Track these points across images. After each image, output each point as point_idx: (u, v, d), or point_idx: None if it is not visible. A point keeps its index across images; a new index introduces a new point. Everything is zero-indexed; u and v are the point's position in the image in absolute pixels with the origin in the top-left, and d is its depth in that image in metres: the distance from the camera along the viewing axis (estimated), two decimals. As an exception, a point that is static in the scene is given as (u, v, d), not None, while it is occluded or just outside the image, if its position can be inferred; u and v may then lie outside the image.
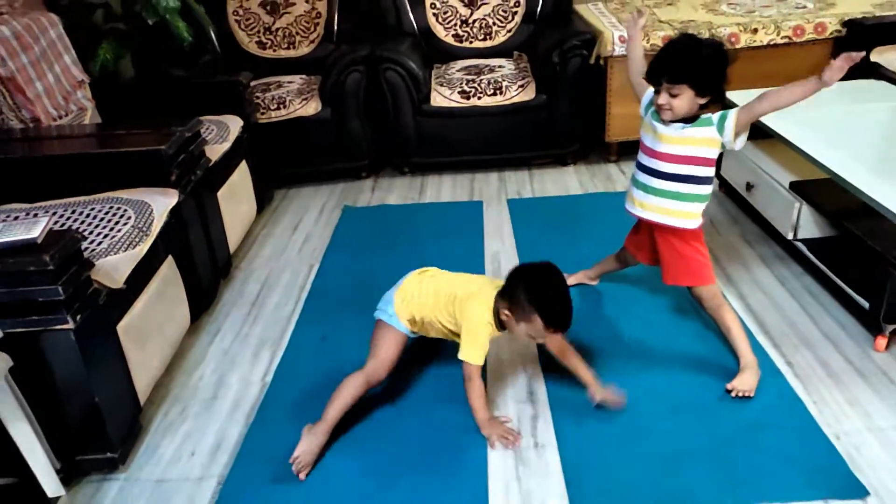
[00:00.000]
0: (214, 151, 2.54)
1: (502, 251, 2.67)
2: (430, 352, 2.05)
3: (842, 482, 1.56)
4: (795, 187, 2.33)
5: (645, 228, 2.01)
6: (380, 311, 1.86)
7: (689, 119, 1.76)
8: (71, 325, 1.55)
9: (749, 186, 2.62)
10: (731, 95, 2.64)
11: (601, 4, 3.68)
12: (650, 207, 1.88)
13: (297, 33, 3.62)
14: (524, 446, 1.74)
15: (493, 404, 1.87)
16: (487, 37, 3.62)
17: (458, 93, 3.24)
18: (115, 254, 1.81)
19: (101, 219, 1.94)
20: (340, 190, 3.36)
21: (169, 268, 2.08)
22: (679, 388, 1.88)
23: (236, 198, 2.72)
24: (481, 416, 1.76)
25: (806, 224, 2.32)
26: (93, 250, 1.80)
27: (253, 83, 3.27)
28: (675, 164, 1.79)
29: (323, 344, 2.19)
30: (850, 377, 1.89)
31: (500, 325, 1.74)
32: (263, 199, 3.12)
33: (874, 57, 2.95)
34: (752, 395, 1.81)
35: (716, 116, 1.74)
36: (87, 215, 1.96)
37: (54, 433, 1.64)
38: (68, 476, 1.70)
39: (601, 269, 2.31)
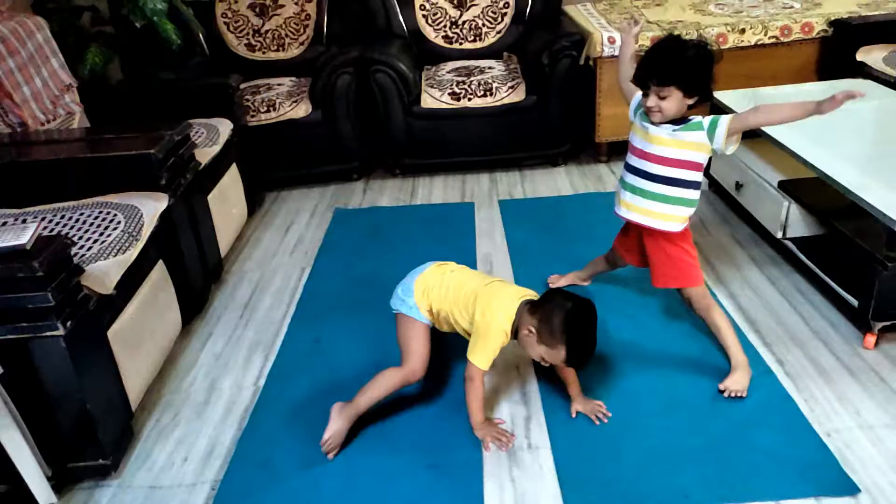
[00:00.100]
0: (204, 155, 2.53)
1: (494, 252, 2.67)
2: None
3: (833, 480, 1.58)
4: (784, 186, 2.35)
5: (633, 230, 2.01)
6: (399, 303, 1.84)
7: (679, 120, 1.77)
8: (61, 332, 1.54)
9: (738, 186, 2.64)
10: (720, 95, 2.67)
11: (590, 5, 3.70)
12: (636, 209, 1.89)
13: (287, 35, 3.61)
14: (518, 447, 1.74)
15: (486, 405, 1.87)
16: (477, 38, 3.63)
17: (449, 94, 3.24)
18: (104, 259, 1.80)
19: (91, 224, 1.93)
20: (331, 192, 3.36)
21: (159, 272, 2.07)
22: (671, 387, 1.89)
23: (227, 201, 2.71)
24: (477, 419, 1.76)
25: (795, 223, 2.34)
26: (82, 256, 1.79)
27: (242, 86, 3.25)
28: (665, 166, 1.80)
29: (316, 346, 2.19)
30: (840, 375, 1.90)
31: (515, 333, 1.73)
32: (254, 202, 3.11)
33: (860, 56, 2.98)
34: (744, 394, 1.82)
35: (706, 121, 1.75)
36: (77, 220, 1.95)
37: (45, 440, 1.63)
38: (60, 483, 1.69)
39: (592, 271, 2.32)
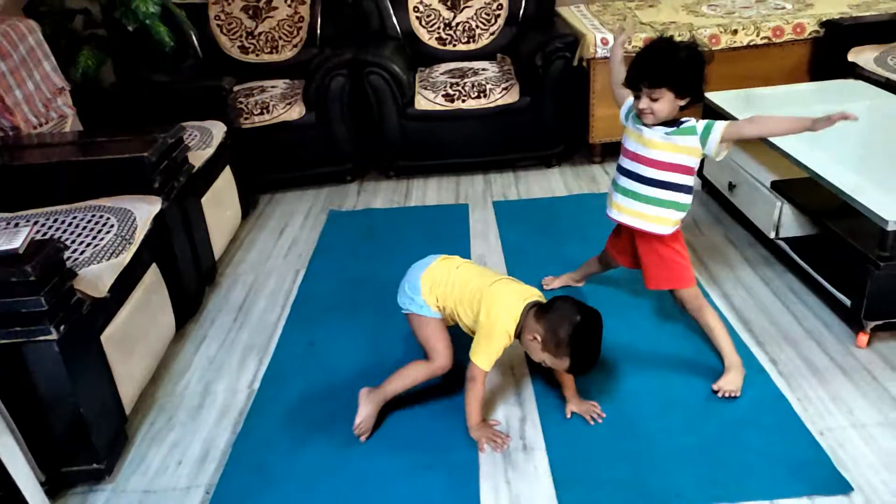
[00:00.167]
0: (198, 157, 2.53)
1: (488, 253, 2.68)
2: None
3: (826, 478, 1.58)
4: (777, 187, 2.36)
5: (625, 232, 2.02)
6: (408, 302, 1.83)
7: (672, 122, 1.78)
8: (54, 336, 1.54)
9: (731, 186, 2.65)
10: (713, 96, 2.68)
11: (583, 7, 3.71)
12: (627, 211, 1.90)
13: (280, 37, 3.61)
14: (513, 448, 1.75)
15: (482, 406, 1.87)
16: (471, 40, 3.63)
17: (443, 96, 3.24)
18: (98, 262, 1.79)
19: (84, 227, 1.92)
20: (326, 194, 3.35)
21: (153, 275, 2.07)
22: (665, 388, 1.89)
23: (221, 204, 2.71)
24: (474, 420, 1.76)
25: (788, 223, 2.35)
26: (75, 259, 1.78)
27: (236, 88, 3.25)
28: (658, 169, 1.81)
29: (311, 349, 2.18)
30: (833, 374, 1.91)
31: (518, 334, 1.72)
32: (248, 205, 3.11)
33: (851, 57, 3.00)
34: (738, 394, 1.83)
35: (700, 126, 1.75)
36: (70, 224, 1.94)
37: (39, 445, 1.62)
38: (53, 488, 1.68)
39: (585, 272, 2.33)
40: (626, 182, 1.88)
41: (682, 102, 1.74)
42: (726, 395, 1.83)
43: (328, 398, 1.95)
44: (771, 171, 2.43)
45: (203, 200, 2.53)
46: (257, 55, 3.61)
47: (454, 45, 3.63)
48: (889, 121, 2.45)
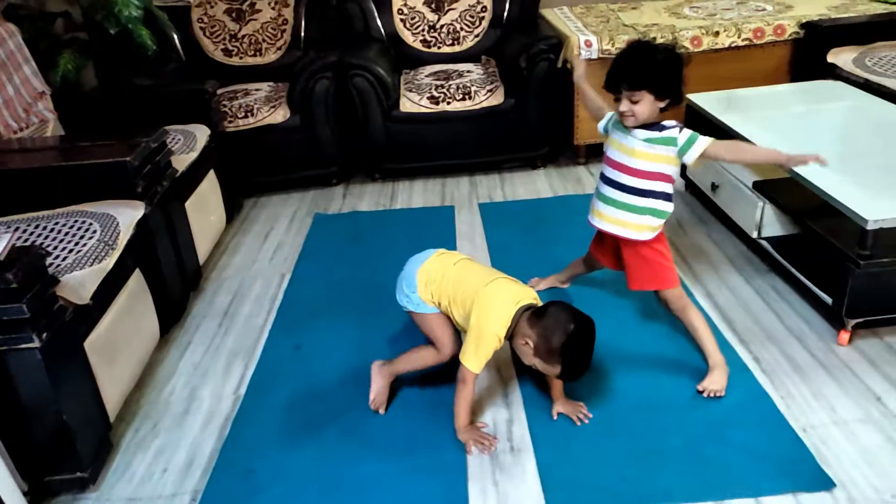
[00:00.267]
0: (181, 161, 2.51)
1: (475, 255, 2.68)
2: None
3: (809, 475, 1.60)
4: (759, 187, 2.39)
5: (608, 236, 2.03)
6: (405, 300, 1.85)
7: (653, 125, 1.79)
8: (37, 344, 1.52)
9: (714, 187, 2.67)
10: (695, 98, 2.70)
11: (567, 9, 3.72)
12: (608, 219, 1.91)
13: (264, 40, 3.59)
14: (500, 450, 1.75)
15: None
16: (455, 42, 3.64)
17: (427, 98, 3.25)
18: (80, 269, 1.77)
19: (66, 233, 1.90)
20: (311, 197, 3.34)
21: (136, 281, 2.05)
22: (651, 388, 1.91)
23: (205, 208, 2.69)
24: (462, 422, 1.77)
25: (769, 223, 2.38)
26: (58, 266, 1.76)
27: (219, 91, 3.23)
28: (639, 178, 1.82)
29: (297, 353, 2.18)
30: (815, 371, 1.93)
31: (510, 337, 1.72)
32: (233, 209, 3.09)
33: (830, 58, 3.04)
34: (723, 393, 1.84)
35: (682, 138, 1.76)
36: (51, 230, 1.92)
37: (21, 454, 1.60)
38: (36, 498, 1.66)
39: (570, 273, 2.34)
40: (607, 190, 1.90)
41: (663, 104, 1.76)
42: (711, 394, 1.84)
43: (315, 402, 1.95)
44: (753, 172, 2.45)
45: (187, 205, 2.51)
46: (241, 58, 3.60)
47: (439, 48, 3.64)
48: (867, 121, 2.48)
